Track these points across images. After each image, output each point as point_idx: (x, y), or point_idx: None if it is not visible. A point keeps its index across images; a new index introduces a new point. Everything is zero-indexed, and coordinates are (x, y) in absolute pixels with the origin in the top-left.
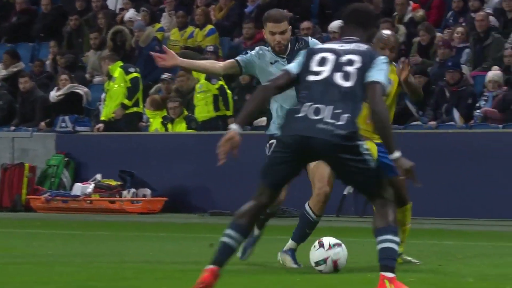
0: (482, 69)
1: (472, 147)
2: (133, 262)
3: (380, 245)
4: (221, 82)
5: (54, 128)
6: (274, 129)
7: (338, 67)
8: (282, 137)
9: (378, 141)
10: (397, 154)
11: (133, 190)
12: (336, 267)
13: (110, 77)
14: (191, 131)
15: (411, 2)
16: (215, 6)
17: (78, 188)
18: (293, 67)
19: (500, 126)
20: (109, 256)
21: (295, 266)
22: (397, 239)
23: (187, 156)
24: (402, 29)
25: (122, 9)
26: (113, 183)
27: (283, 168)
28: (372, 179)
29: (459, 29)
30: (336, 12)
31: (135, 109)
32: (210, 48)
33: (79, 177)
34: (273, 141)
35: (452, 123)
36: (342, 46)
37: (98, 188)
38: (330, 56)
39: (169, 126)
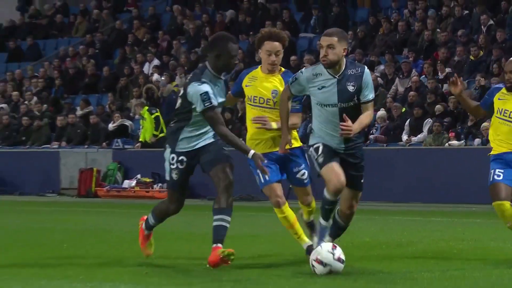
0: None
1: (369, 159)
2: (161, 228)
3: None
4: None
5: (111, 146)
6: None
7: None
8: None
9: None
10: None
11: (160, 184)
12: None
13: (142, 117)
14: None
15: None
16: None
17: (126, 183)
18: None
19: (385, 145)
20: None
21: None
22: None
23: None
24: None
25: (152, 73)
26: (148, 180)
27: None
28: None
29: None
30: None
31: (161, 134)
32: None
33: (126, 176)
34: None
35: None
36: None
37: (139, 183)
38: None
39: None
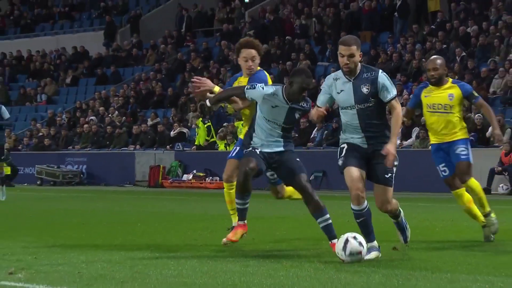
0: None
1: None
2: (211, 211)
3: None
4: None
5: (174, 148)
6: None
7: None
8: None
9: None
10: None
11: (211, 177)
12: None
13: (197, 126)
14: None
15: None
16: None
17: (185, 177)
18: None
19: None
20: (198, 208)
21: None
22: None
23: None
24: None
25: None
26: (201, 174)
27: None
28: None
29: None
30: None
31: (212, 139)
32: None
33: (185, 171)
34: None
35: None
36: None
37: (194, 176)
38: None
39: (227, 147)
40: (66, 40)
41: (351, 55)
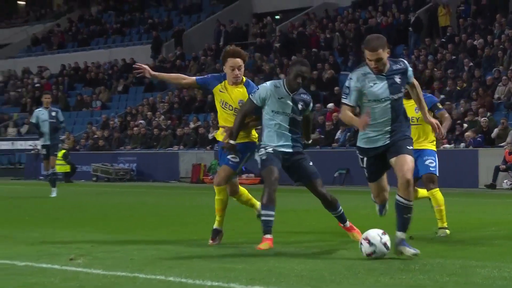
0: None
1: None
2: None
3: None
4: None
5: (213, 148)
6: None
7: None
8: None
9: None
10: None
11: (246, 174)
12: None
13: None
14: None
15: None
16: None
17: None
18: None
19: None
20: (235, 201)
21: (413, 251)
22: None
23: None
24: None
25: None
26: None
27: None
28: None
29: None
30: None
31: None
32: None
33: None
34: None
35: None
36: None
37: None
38: None
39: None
40: (117, 53)
41: (379, 59)
